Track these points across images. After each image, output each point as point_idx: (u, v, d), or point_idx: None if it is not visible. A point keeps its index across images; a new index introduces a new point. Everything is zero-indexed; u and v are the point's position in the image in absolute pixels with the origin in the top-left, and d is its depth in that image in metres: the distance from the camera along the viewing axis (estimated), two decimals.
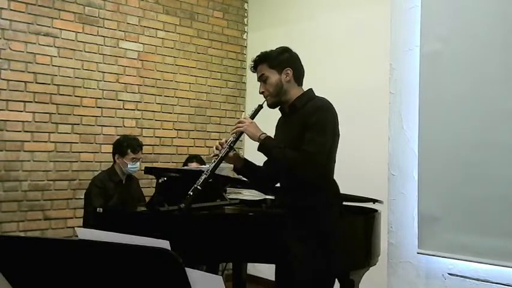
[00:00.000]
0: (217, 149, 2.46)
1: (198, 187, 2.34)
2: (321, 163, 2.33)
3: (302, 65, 2.55)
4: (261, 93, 2.49)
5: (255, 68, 2.53)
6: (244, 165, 2.58)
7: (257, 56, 2.52)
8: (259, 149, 2.38)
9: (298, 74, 2.51)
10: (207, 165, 3.14)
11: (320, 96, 2.51)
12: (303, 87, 2.54)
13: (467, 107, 2.64)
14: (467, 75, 2.65)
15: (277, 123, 2.61)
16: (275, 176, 2.57)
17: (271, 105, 2.49)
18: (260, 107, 2.51)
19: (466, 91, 2.65)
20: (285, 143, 2.38)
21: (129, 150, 3.87)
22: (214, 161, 2.42)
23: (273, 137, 2.47)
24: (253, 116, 2.51)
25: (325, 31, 4.87)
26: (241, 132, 2.44)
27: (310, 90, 2.52)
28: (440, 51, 2.72)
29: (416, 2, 2.86)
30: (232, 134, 2.45)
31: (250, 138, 2.42)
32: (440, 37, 2.73)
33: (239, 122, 2.46)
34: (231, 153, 2.45)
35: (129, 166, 3.87)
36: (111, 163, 4.03)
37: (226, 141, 2.45)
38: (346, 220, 3.19)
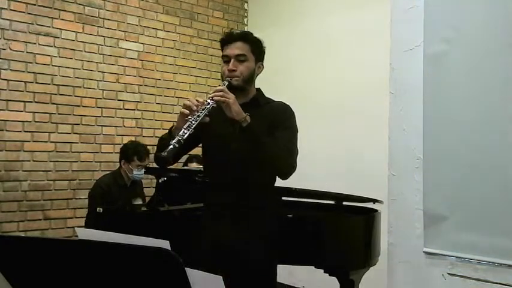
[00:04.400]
0: (195, 106, 2.07)
1: (182, 141, 1.97)
2: (295, 164, 2.23)
3: None
4: (231, 70, 2.24)
5: (230, 42, 2.28)
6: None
7: (241, 32, 2.33)
8: (245, 129, 2.12)
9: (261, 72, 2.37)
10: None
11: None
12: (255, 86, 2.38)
13: (473, 108, 2.64)
14: (473, 75, 2.65)
15: (214, 113, 2.15)
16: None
17: (235, 88, 2.23)
18: (228, 84, 2.22)
19: (471, 91, 2.65)
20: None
21: (135, 158, 3.85)
22: (192, 118, 2.05)
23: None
24: None
25: (325, 31, 4.87)
26: (223, 103, 2.10)
27: (260, 89, 2.40)
28: (445, 52, 2.71)
29: (417, 2, 2.85)
30: (211, 101, 2.10)
31: (231, 114, 2.10)
32: (444, 37, 2.73)
33: (220, 91, 2.12)
34: (207, 119, 2.08)
35: (134, 173, 3.86)
36: (111, 163, 4.03)
37: (203, 102, 2.09)
38: (346, 220, 3.19)
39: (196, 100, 2.11)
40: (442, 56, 2.73)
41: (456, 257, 2.68)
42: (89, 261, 1.23)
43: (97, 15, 4.51)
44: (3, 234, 3.80)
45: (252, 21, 5.65)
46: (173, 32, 5.04)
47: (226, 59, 2.30)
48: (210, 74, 5.33)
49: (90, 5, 4.46)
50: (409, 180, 2.87)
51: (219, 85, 2.23)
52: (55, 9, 4.27)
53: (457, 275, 2.68)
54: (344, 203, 3.33)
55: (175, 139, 2.02)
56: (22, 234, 4.02)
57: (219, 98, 2.10)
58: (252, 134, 2.14)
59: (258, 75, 2.35)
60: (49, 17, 4.23)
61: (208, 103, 2.09)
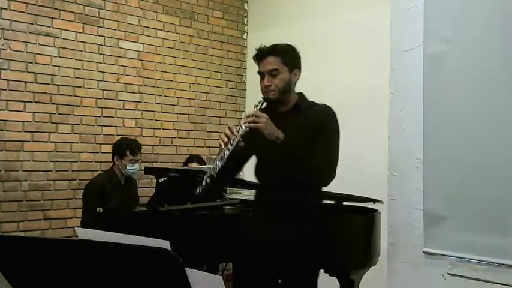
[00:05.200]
0: (227, 137, 2.24)
1: (214, 175, 2.19)
2: (333, 172, 2.38)
3: None
4: (266, 86, 2.35)
5: (262, 58, 2.38)
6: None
7: (270, 47, 2.39)
8: (280, 148, 2.26)
9: (299, 77, 2.48)
10: (208, 165, 3.07)
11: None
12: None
13: (473, 108, 2.64)
14: (473, 75, 2.65)
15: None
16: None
17: (273, 101, 2.37)
18: (265, 101, 2.36)
19: (471, 91, 2.65)
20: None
21: (128, 152, 3.88)
22: (225, 149, 2.21)
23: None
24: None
25: (325, 31, 4.87)
26: (256, 128, 2.24)
27: (303, 93, 2.52)
28: (445, 52, 2.71)
29: (417, 2, 2.85)
30: (246, 126, 2.25)
31: (266, 135, 2.25)
32: (444, 37, 2.73)
33: (253, 116, 2.26)
34: (241, 143, 2.24)
35: (128, 167, 3.88)
36: (111, 163, 4.03)
37: (236, 130, 2.25)
38: (346, 220, 3.19)
39: (229, 129, 2.26)
40: (442, 56, 2.73)
41: (456, 257, 2.68)
42: (89, 261, 1.23)
43: (97, 15, 4.51)
44: (3, 234, 3.80)
45: (252, 21, 5.65)
46: (173, 32, 5.04)
47: (261, 76, 2.40)
48: (210, 74, 5.33)
49: (90, 5, 4.46)
50: (409, 180, 2.87)
51: (255, 105, 2.35)
52: (55, 9, 4.26)
53: (457, 275, 2.68)
54: (344, 203, 3.33)
55: (208, 174, 2.24)
56: (22, 234, 4.02)
57: (249, 124, 2.25)
58: (286, 151, 2.29)
59: (296, 82, 2.45)
60: (49, 17, 4.23)
61: (239, 130, 2.25)
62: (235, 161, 2.39)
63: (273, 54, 2.37)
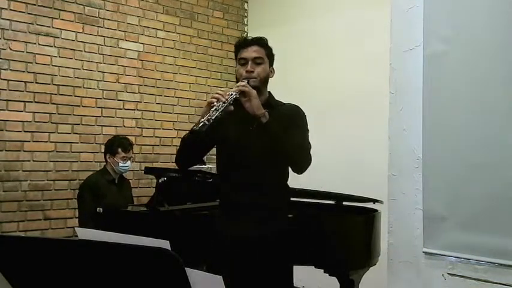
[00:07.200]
0: (216, 98, 2.17)
1: (203, 130, 2.06)
2: (311, 158, 2.33)
3: None
4: (249, 71, 2.32)
5: (246, 45, 2.36)
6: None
7: (256, 37, 2.40)
8: (265, 125, 2.21)
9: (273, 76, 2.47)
10: (207, 165, 3.03)
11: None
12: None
13: (473, 107, 2.64)
14: (472, 75, 2.65)
15: (230, 116, 2.23)
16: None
17: (253, 88, 2.28)
18: (248, 83, 2.28)
19: (471, 91, 2.65)
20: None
21: (119, 149, 3.90)
22: (214, 110, 2.13)
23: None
24: None
25: (325, 31, 4.87)
26: (245, 97, 2.20)
27: (271, 93, 2.48)
28: (445, 52, 2.71)
29: (417, 2, 2.85)
30: (235, 92, 2.20)
31: (252, 108, 2.21)
32: (444, 37, 2.73)
33: (244, 86, 2.22)
34: (231, 108, 2.17)
35: (120, 165, 3.89)
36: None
37: (227, 94, 2.19)
38: (346, 220, 3.19)
39: (222, 91, 2.23)
40: (442, 56, 2.73)
41: (456, 257, 2.68)
42: (89, 261, 1.23)
43: (97, 15, 4.51)
44: (3, 234, 3.80)
45: (252, 21, 5.64)
46: (173, 32, 5.04)
47: (243, 62, 2.38)
48: (210, 74, 5.33)
49: (90, 5, 4.46)
50: (409, 180, 2.87)
51: (241, 81, 2.31)
52: (55, 9, 4.26)
53: (457, 275, 2.68)
54: (344, 203, 3.33)
55: (205, 117, 2.11)
56: (22, 234, 4.02)
57: (243, 88, 2.21)
58: (271, 129, 2.23)
59: (270, 79, 2.43)
60: (49, 17, 4.23)
61: (232, 94, 2.20)
62: (203, 143, 2.33)
63: (259, 45, 2.39)
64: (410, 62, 2.89)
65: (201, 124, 2.08)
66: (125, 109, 4.69)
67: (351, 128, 4.46)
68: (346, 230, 3.03)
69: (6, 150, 4.02)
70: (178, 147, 2.47)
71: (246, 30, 5.64)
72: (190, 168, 4.18)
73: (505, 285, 2.51)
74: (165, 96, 4.96)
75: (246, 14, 5.67)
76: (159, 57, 4.92)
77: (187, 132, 2.29)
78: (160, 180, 3.47)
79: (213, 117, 2.10)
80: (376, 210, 3.15)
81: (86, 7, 4.43)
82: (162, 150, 4.91)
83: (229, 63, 5.49)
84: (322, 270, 2.89)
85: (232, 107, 2.18)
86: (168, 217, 3.23)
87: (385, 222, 3.04)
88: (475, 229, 2.59)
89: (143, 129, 4.79)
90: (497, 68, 2.56)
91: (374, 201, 3.25)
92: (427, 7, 2.80)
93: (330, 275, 2.88)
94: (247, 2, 5.66)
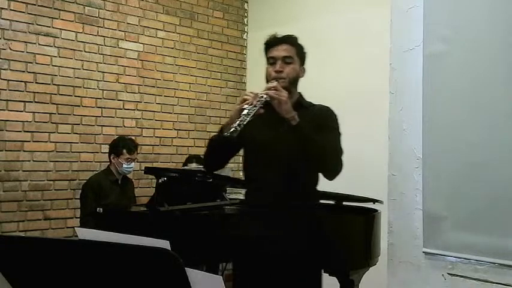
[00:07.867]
0: (248, 102, 2.11)
1: (235, 135, 2.01)
2: (342, 164, 2.29)
3: None
4: (278, 71, 2.24)
5: (276, 44, 2.28)
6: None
7: (286, 35, 2.31)
8: (295, 128, 2.14)
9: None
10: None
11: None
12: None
13: (473, 107, 2.64)
14: (472, 75, 2.65)
15: (259, 117, 2.16)
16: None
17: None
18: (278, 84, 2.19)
19: (471, 91, 2.65)
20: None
21: (124, 151, 3.90)
22: (248, 112, 2.07)
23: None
24: None
25: (325, 31, 4.87)
26: (274, 99, 2.11)
27: (301, 93, 2.42)
28: (444, 52, 2.72)
29: (417, 2, 2.85)
30: (265, 95, 2.12)
31: (282, 111, 2.12)
32: (444, 37, 2.73)
33: (275, 88, 2.13)
34: (261, 111, 2.10)
35: (124, 166, 3.89)
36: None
37: (258, 96, 2.11)
38: (346, 220, 3.19)
39: (252, 93, 2.14)
40: (442, 56, 2.73)
41: (456, 257, 2.69)
42: (89, 261, 1.23)
43: (97, 15, 4.50)
44: (3, 234, 3.80)
45: (252, 21, 5.65)
46: (173, 32, 5.03)
47: (272, 61, 2.30)
48: (210, 74, 5.33)
49: (90, 5, 4.46)
50: (409, 180, 2.87)
51: (271, 82, 2.23)
52: (55, 9, 4.26)
53: (457, 275, 2.68)
54: (344, 203, 3.33)
55: (236, 123, 2.05)
56: (22, 234, 4.02)
57: (273, 94, 2.12)
58: (302, 131, 2.16)
59: (300, 79, 2.35)
60: (49, 17, 4.23)
61: (262, 96, 2.11)
62: (232, 146, 2.31)
63: (289, 43, 2.30)
64: (410, 62, 2.89)
65: (232, 129, 2.03)
66: (125, 109, 4.69)
67: (351, 128, 4.45)
68: (346, 230, 3.03)
69: (6, 150, 4.02)
70: (206, 149, 2.44)
71: (246, 30, 5.64)
72: (190, 168, 4.19)
73: (505, 285, 2.51)
74: (165, 96, 4.96)
75: (246, 14, 5.66)
76: (159, 57, 4.92)
77: (215, 134, 2.27)
78: (160, 180, 3.47)
79: (245, 123, 2.05)
80: (376, 210, 3.15)
81: (86, 7, 4.43)
82: (162, 150, 4.91)
83: (229, 63, 5.49)
84: (322, 270, 2.89)
85: (262, 110, 2.12)
86: (168, 217, 3.23)
87: (385, 222, 3.04)
88: (475, 229, 2.59)
89: (143, 129, 4.79)
90: (497, 68, 2.56)
91: (374, 201, 3.25)
92: (427, 7, 2.81)
93: (329, 275, 2.88)
94: (247, 2, 5.66)
